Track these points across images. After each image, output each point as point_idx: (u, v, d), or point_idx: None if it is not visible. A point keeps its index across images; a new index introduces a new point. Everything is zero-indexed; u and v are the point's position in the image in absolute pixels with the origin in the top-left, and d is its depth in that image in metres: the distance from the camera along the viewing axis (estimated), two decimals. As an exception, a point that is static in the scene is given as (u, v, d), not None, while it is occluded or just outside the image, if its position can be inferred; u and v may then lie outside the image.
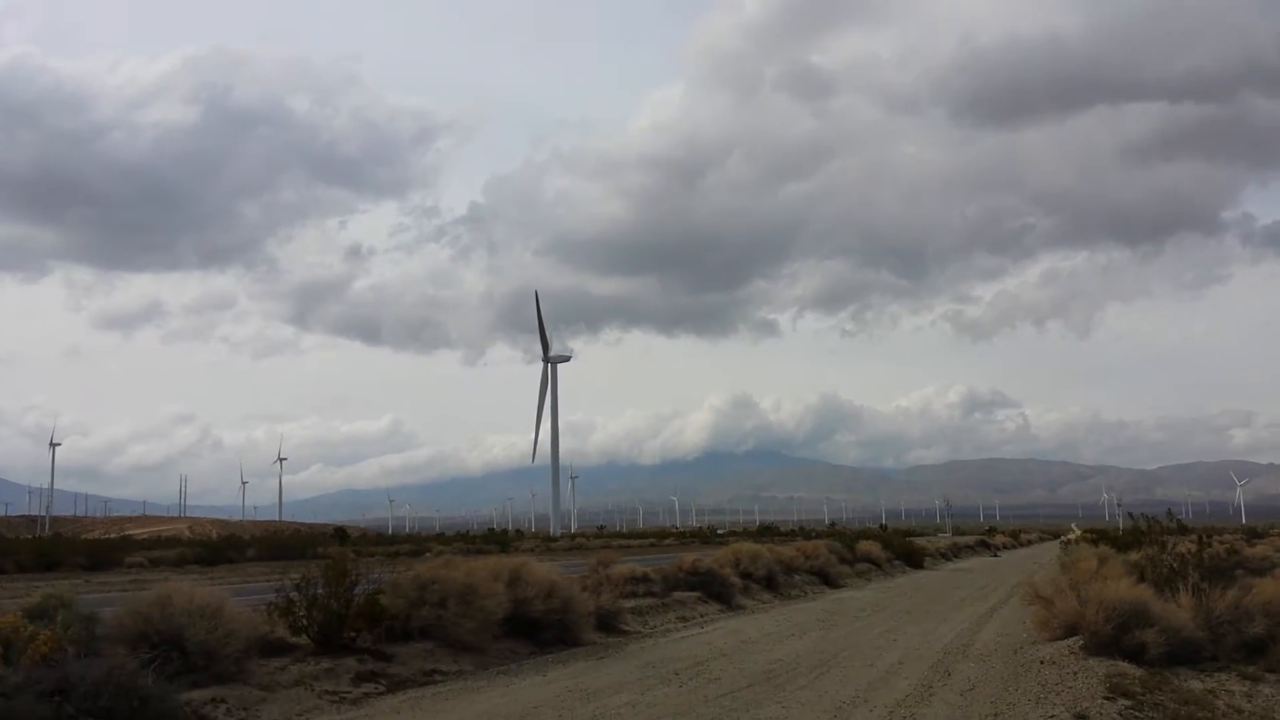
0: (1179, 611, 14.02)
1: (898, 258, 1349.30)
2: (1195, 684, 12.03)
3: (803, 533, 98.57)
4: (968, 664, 14.37)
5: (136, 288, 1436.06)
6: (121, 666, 8.93)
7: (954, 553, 62.23)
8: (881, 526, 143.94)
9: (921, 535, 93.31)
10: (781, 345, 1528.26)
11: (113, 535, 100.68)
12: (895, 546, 46.40)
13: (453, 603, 14.04)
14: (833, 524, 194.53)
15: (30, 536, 67.29)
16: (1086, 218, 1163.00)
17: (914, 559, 45.84)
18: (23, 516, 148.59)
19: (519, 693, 11.93)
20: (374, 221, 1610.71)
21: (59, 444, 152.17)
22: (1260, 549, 45.40)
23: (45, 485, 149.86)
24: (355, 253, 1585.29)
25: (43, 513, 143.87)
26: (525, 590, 15.80)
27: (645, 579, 22.88)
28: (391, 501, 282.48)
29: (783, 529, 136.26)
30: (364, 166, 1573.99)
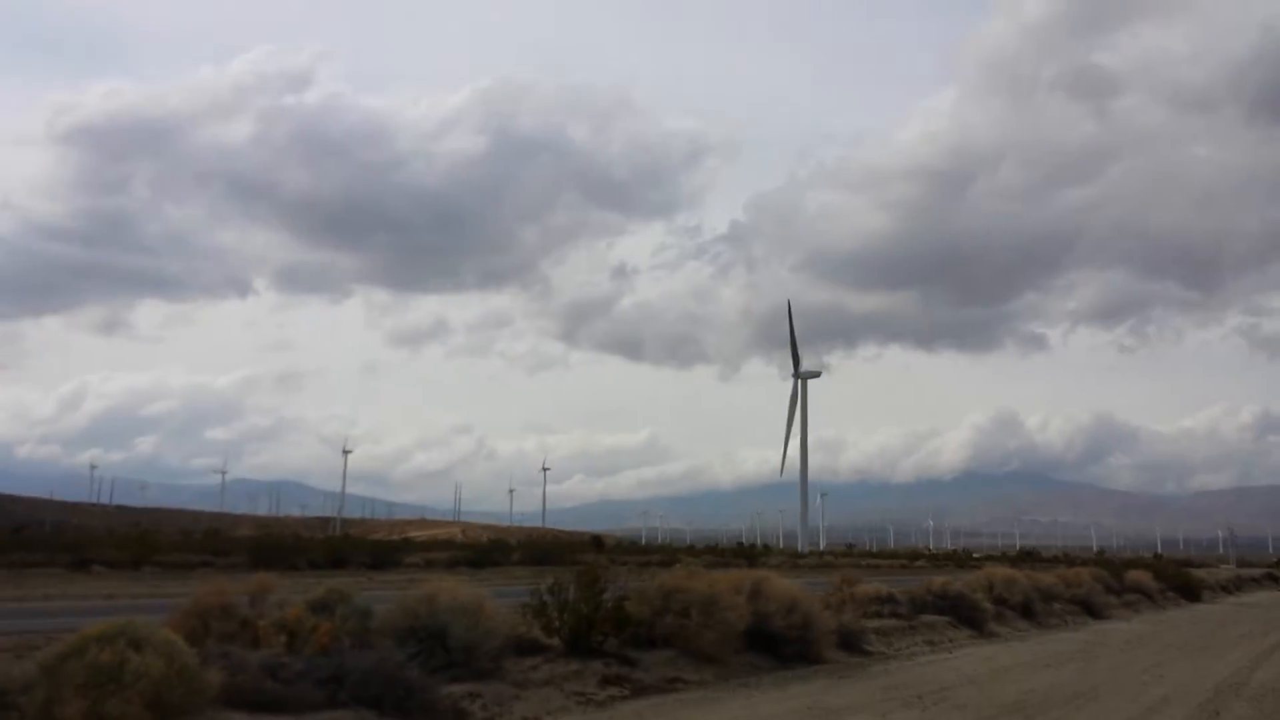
0: None
1: (1185, 267, 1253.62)
2: None
3: (1066, 560, 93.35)
4: (1240, 704, 13.39)
5: (426, 308, 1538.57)
6: (390, 658, 9.82)
7: (1236, 585, 57.38)
8: (1155, 556, 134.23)
9: (1201, 566, 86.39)
10: (1051, 361, 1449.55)
11: (394, 537, 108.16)
12: (1169, 577, 43.32)
13: (695, 613, 14.42)
14: (1100, 551, 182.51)
15: (322, 537, 73.67)
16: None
17: (1190, 591, 42.62)
18: (318, 518, 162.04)
19: (758, 706, 12.13)
20: (640, 241, 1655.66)
21: (351, 451, 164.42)
22: None
23: (338, 489, 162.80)
24: (621, 272, 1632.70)
25: (334, 515, 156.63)
26: (766, 604, 15.97)
27: (891, 599, 22.52)
28: (645, 512, 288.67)
29: (1044, 555, 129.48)
30: (634, 189, 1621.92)
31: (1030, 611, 26.72)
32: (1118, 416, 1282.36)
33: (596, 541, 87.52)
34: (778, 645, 15.83)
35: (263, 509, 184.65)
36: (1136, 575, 39.66)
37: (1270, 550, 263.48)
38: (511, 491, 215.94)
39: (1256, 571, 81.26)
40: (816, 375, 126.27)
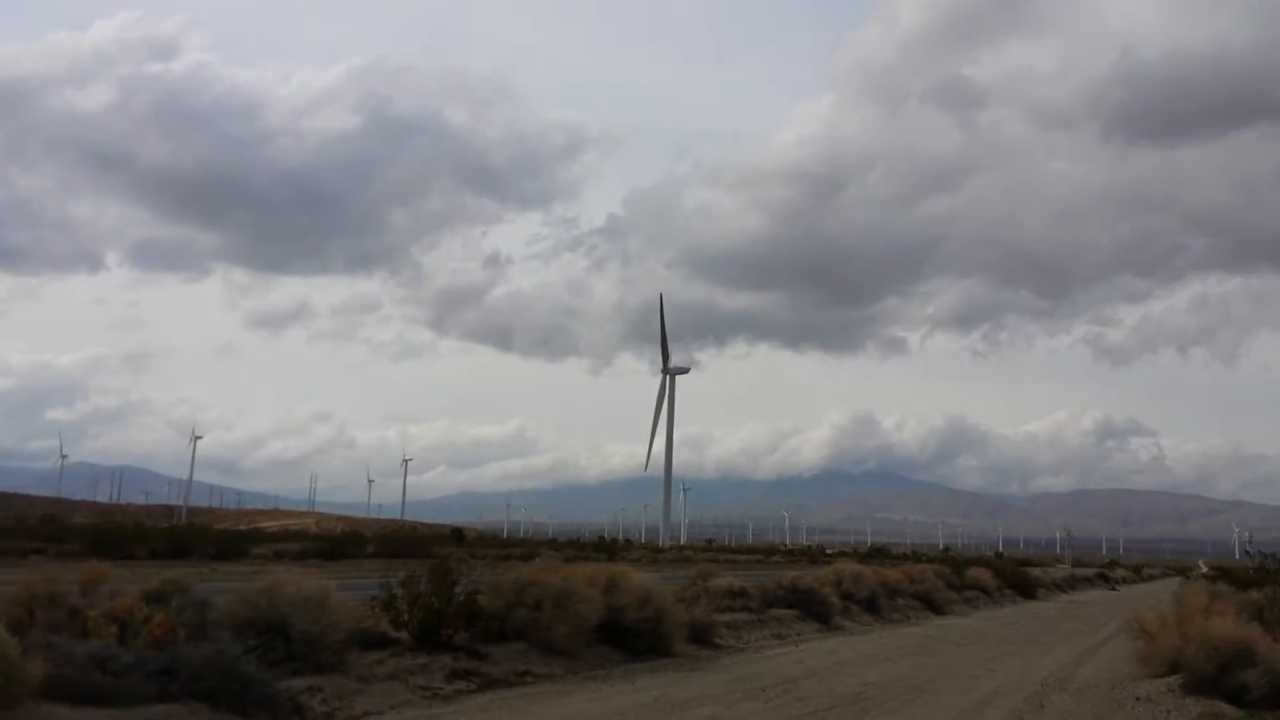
0: (1290, 655, 13.52)
1: (1039, 277, 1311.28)
2: (1299, 731, 11.62)
3: (914, 557, 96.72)
4: (1063, 697, 14.10)
5: (288, 289, 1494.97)
6: (227, 651, 9.53)
7: (1070, 585, 60.45)
8: (997, 554, 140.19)
9: (1038, 565, 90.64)
10: (909, 364, 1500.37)
11: (243, 527, 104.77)
12: (1007, 575, 45.33)
13: (548, 606, 14.42)
14: (946, 549, 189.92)
15: (165, 526, 70.73)
16: (1243, 241, 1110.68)
17: (1026, 589, 44.71)
18: (162, 506, 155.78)
19: (606, 699, 12.22)
20: (515, 231, 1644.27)
21: (200, 437, 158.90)
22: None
23: (186, 476, 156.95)
24: (494, 261, 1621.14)
25: (180, 502, 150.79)
26: (621, 598, 16.11)
27: (743, 594, 22.98)
28: (509, 506, 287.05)
29: (894, 552, 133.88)
30: (511, 177, 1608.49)
31: (875, 606, 27.59)
32: (968, 419, 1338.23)
33: (456, 534, 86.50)
34: (630, 639, 15.97)
35: (104, 495, 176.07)
36: (977, 573, 41.33)
37: (1104, 551, 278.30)
38: (370, 482, 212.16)
39: (1090, 571, 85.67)
40: (685, 371, 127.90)
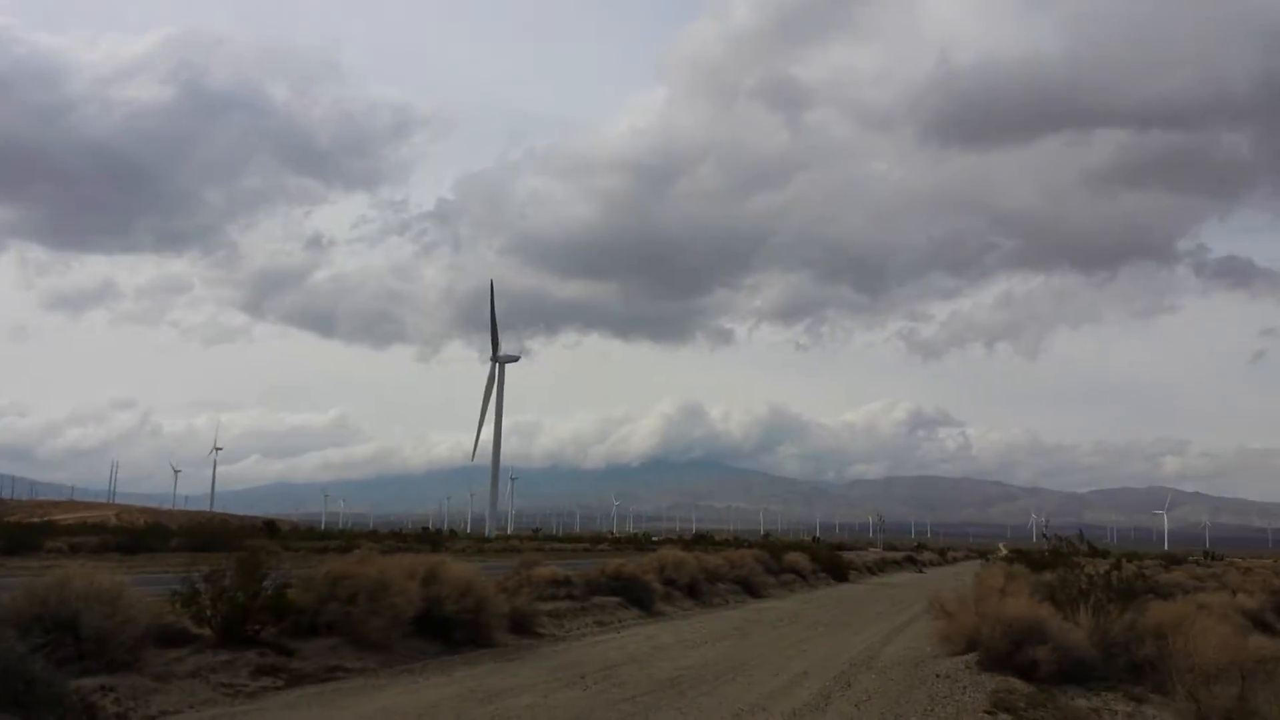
0: (1075, 631, 14.43)
1: (858, 273, 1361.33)
2: (1081, 702, 12.41)
3: (736, 542, 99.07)
4: (869, 676, 14.66)
5: (91, 268, 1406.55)
6: (10, 649, 8.85)
7: (880, 568, 63.05)
8: (814, 539, 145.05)
9: (852, 549, 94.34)
10: (736, 355, 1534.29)
11: (36, 519, 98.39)
12: (822, 559, 46.91)
13: (363, 599, 14.02)
14: (766, 535, 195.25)
15: (-52, 518, 65.62)
16: (1046, 242, 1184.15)
17: (839, 572, 46.37)
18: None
19: (420, 691, 11.97)
20: (340, 212, 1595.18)
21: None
22: (1175, 575, 46.60)
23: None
24: (316, 242, 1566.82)
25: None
26: (440, 589, 15.80)
27: (567, 582, 22.99)
28: (327, 496, 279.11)
29: (717, 538, 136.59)
30: (336, 157, 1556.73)
31: (696, 591, 28.09)
32: (791, 409, 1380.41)
33: (269, 527, 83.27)
34: (449, 630, 15.70)
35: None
36: (794, 557, 42.63)
37: (913, 534, 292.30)
38: (177, 472, 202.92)
39: (899, 554, 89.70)
40: (515, 359, 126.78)
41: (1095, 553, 24.71)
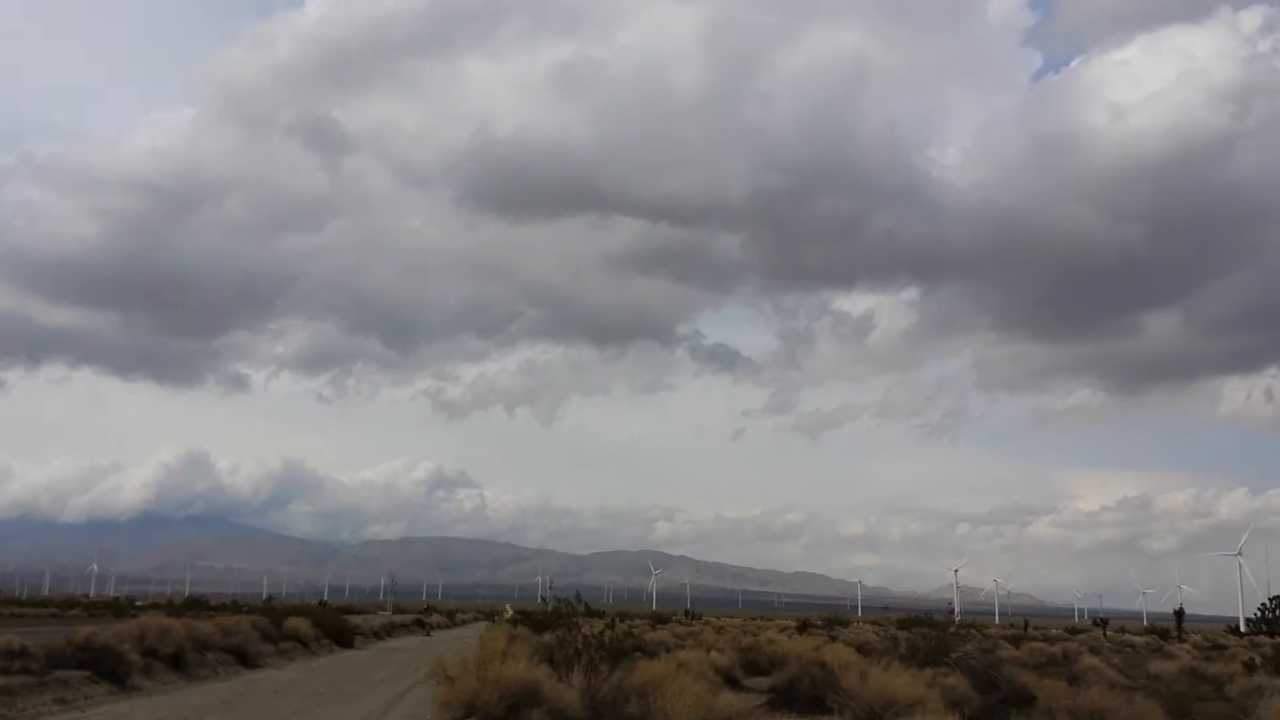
0: (569, 692, 14.88)
1: (389, 328, 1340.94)
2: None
3: (234, 607, 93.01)
4: (364, 748, 14.09)
5: None
6: None
7: (388, 631, 62.07)
8: (321, 603, 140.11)
9: (362, 613, 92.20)
10: (251, 403, 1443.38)
11: None
12: (326, 624, 45.14)
13: None
14: (270, 598, 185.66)
15: None
16: (567, 315, 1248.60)
17: (344, 638, 44.91)
18: None
19: None
20: None
21: None
22: (661, 634, 50.43)
23: None
24: None
25: None
26: None
27: (23, 653, 20.01)
28: None
29: (213, 602, 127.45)
30: None
31: (181, 662, 25.65)
32: (307, 464, 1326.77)
33: None
34: None
35: None
36: (296, 622, 40.59)
37: (424, 596, 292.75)
38: None
39: (408, 617, 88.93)
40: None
41: (592, 613, 25.98)
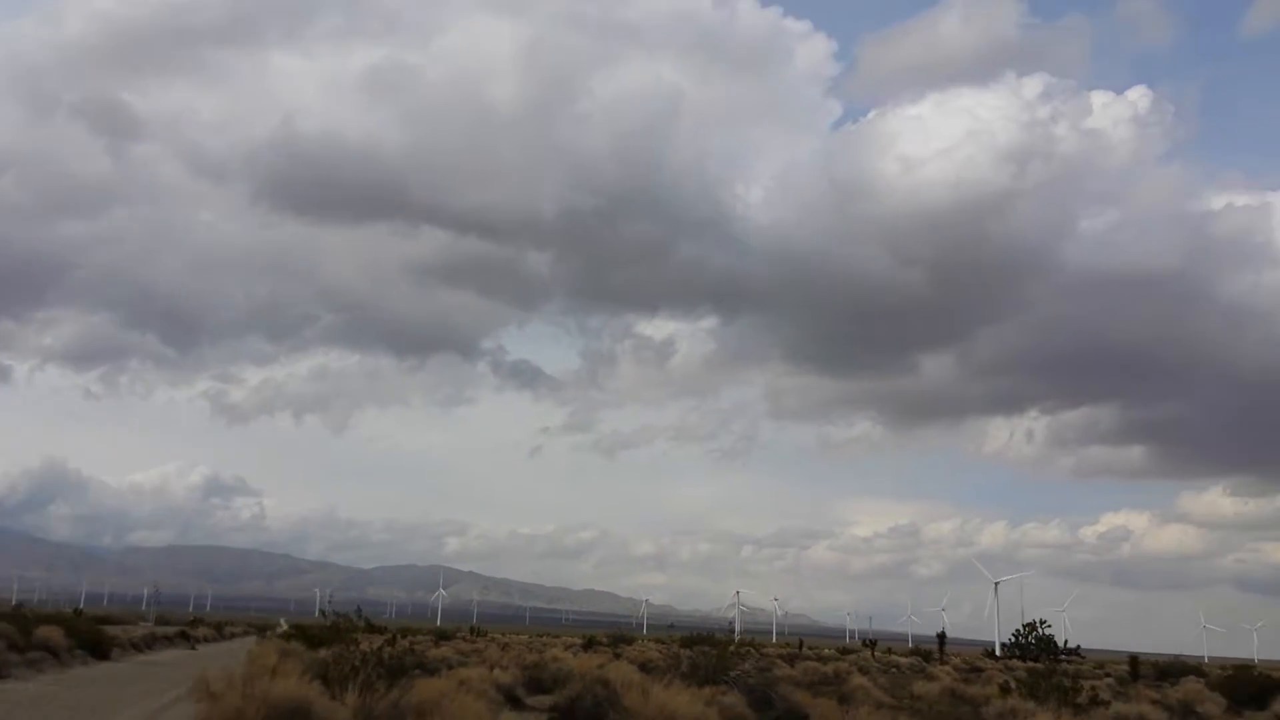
0: (341, 710, 14.31)
1: (170, 324, 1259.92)
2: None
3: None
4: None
5: None
6: None
7: (149, 643, 58.42)
8: (77, 611, 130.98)
9: (121, 623, 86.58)
10: (11, 397, 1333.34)
11: None
12: (81, 634, 42.18)
13: None
14: (19, 605, 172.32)
15: None
16: (366, 322, 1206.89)
17: (100, 649, 42.01)
18: None
19: None
20: None
21: None
22: (444, 650, 49.50)
23: None
24: None
25: None
26: None
27: None
28: None
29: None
30: None
31: (-92, 676, 23.40)
32: (70, 464, 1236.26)
33: None
34: None
35: None
36: (47, 631, 37.84)
37: (192, 608, 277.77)
38: None
39: (172, 630, 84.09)
40: None
41: (373, 628, 25.29)
